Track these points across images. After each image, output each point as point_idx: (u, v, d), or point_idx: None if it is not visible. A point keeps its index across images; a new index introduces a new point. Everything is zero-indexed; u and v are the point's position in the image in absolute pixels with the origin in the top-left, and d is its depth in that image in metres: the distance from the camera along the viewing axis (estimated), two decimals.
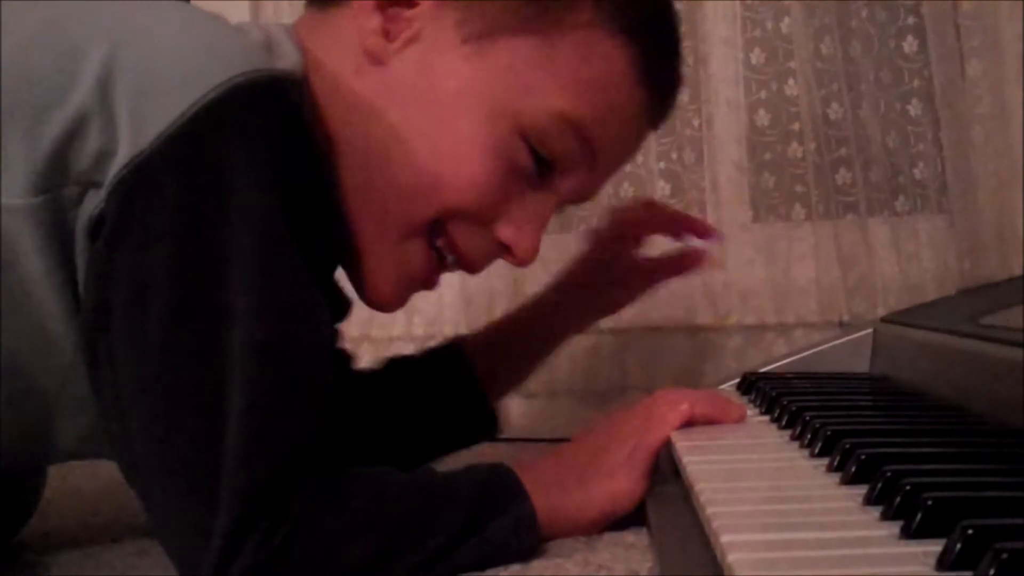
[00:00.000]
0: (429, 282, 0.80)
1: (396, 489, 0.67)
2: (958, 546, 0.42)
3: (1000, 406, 0.71)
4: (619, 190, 1.29)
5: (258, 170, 0.62)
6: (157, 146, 0.61)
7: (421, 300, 1.28)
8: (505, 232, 0.77)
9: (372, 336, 1.35)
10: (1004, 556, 0.40)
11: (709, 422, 0.77)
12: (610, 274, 1.01)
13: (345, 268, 0.79)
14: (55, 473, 1.10)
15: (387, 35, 0.74)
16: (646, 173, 1.27)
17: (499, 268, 1.29)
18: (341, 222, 0.74)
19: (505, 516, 0.69)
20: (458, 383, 0.95)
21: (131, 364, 0.62)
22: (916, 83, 1.20)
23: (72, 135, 0.62)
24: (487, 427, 0.96)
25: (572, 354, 1.28)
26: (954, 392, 0.80)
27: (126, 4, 0.68)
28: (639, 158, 1.28)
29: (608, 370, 1.26)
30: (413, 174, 0.73)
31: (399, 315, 1.33)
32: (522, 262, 0.78)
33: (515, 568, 0.70)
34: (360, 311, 0.84)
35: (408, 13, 0.74)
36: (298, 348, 0.64)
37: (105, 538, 0.84)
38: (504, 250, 0.78)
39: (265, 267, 0.62)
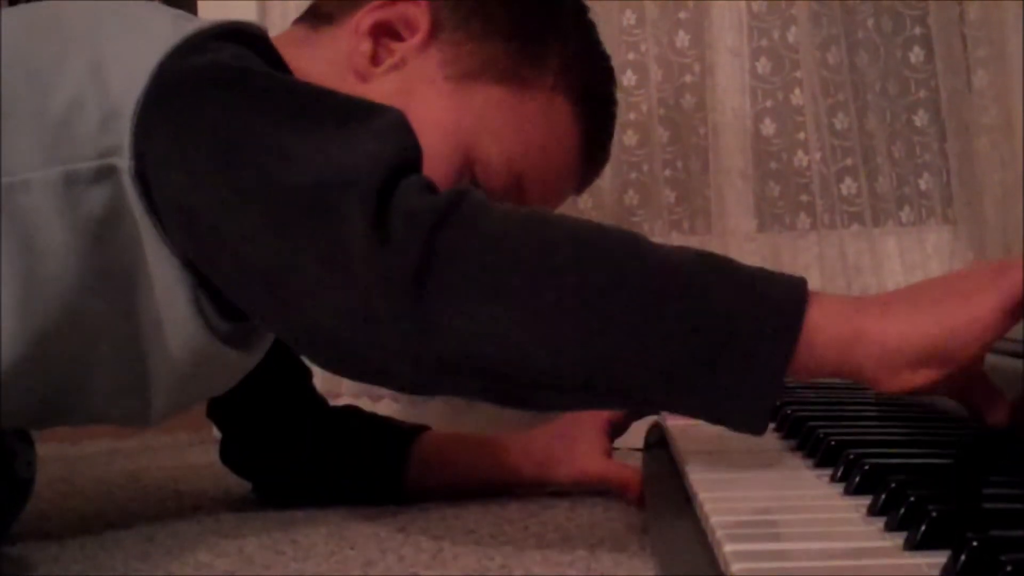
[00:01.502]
0: None
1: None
2: (962, 559, 0.42)
3: None
4: (624, 198, 1.29)
5: (251, 62, 0.69)
6: (157, 70, 0.67)
7: None
8: None
9: None
10: (1009, 569, 0.40)
11: None
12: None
13: None
14: (56, 474, 1.10)
15: (374, 60, 0.83)
16: (651, 181, 1.27)
17: None
18: None
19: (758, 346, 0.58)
20: (382, 461, 0.95)
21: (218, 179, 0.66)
22: (922, 93, 1.20)
23: (72, 107, 0.67)
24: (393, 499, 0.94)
25: None
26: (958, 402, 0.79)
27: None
28: (644, 166, 1.28)
29: None
30: None
31: None
32: None
33: (517, 572, 0.70)
34: None
35: (396, 45, 0.84)
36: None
37: (106, 541, 0.84)
38: None
39: (300, 86, 0.69)
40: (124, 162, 0.68)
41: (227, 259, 0.67)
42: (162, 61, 0.68)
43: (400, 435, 0.97)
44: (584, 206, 1.31)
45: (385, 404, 1.31)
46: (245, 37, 0.72)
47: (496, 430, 1.31)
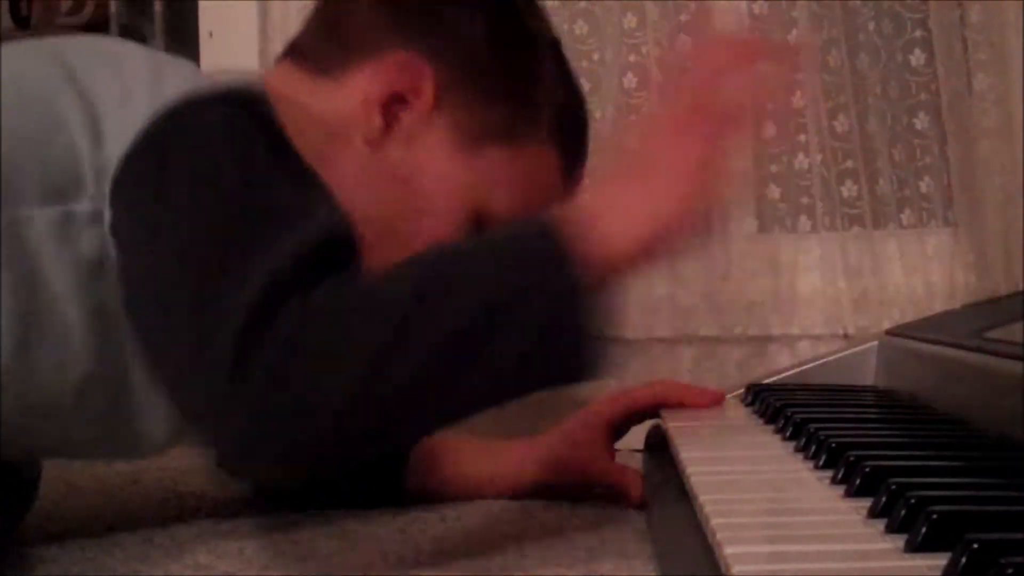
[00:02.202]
0: None
1: (416, 263, 0.66)
2: (963, 560, 0.42)
3: (1004, 420, 0.71)
4: None
5: (240, 133, 0.70)
6: (144, 130, 0.68)
7: None
8: None
9: None
10: (1010, 571, 0.40)
11: None
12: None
13: None
14: (57, 476, 1.10)
15: (384, 129, 0.82)
16: None
17: None
18: None
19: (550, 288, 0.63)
20: (380, 464, 0.93)
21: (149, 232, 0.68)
22: (923, 96, 1.20)
23: (72, 152, 0.70)
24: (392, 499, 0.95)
25: None
26: (958, 405, 0.80)
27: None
28: None
29: (608, 379, 1.25)
30: (393, 244, 0.75)
31: None
32: None
33: (517, 574, 0.70)
34: None
35: (404, 112, 0.82)
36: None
37: (106, 542, 0.84)
38: None
39: (255, 177, 0.68)
40: (106, 213, 0.70)
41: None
42: (149, 124, 0.69)
43: None
44: None
45: None
46: (241, 100, 0.72)
47: (494, 434, 1.31)
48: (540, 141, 0.86)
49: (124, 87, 0.73)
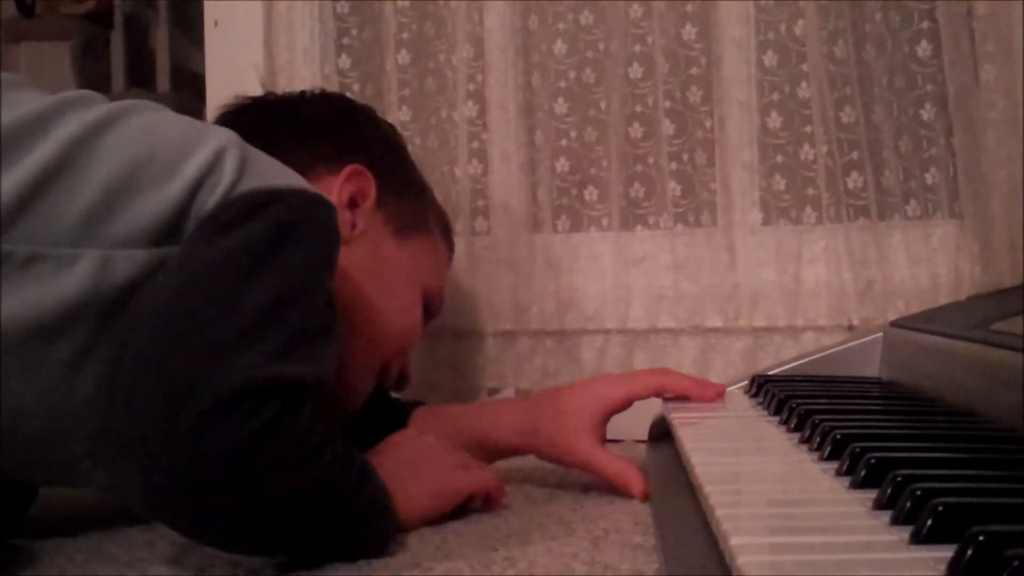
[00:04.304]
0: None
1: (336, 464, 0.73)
2: (968, 552, 0.42)
3: (1010, 412, 0.71)
4: (630, 191, 1.29)
5: (319, 249, 0.78)
6: (242, 194, 0.75)
7: None
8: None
9: None
10: (1016, 563, 0.40)
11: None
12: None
13: None
14: None
15: (352, 226, 0.95)
16: (657, 174, 1.27)
17: (502, 271, 1.29)
18: None
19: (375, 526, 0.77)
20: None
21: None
22: (929, 87, 1.20)
23: (190, 197, 0.75)
24: None
25: (580, 353, 1.28)
26: (963, 397, 0.80)
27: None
28: (650, 159, 1.28)
29: (614, 370, 1.26)
30: (376, 328, 0.93)
31: None
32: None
33: (521, 566, 0.71)
34: None
35: (357, 210, 0.96)
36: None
37: (111, 530, 0.84)
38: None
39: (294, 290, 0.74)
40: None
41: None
42: (257, 189, 0.76)
43: (397, 410, 1.01)
44: (590, 198, 1.31)
45: None
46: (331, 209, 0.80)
47: None
48: (432, 232, 1.04)
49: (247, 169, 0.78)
